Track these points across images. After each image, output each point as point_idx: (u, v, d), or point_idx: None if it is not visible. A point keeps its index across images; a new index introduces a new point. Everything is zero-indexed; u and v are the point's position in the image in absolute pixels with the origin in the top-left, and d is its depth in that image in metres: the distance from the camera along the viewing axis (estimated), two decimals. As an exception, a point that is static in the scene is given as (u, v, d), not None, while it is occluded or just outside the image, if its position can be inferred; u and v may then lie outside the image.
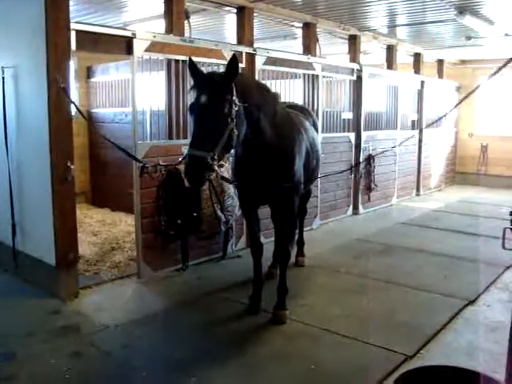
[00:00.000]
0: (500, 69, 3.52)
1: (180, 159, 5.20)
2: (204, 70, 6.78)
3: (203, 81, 4.15)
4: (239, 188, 5.25)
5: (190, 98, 6.52)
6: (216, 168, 3.99)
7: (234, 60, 4.08)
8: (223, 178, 5.02)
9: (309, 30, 8.95)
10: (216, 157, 3.94)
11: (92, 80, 10.48)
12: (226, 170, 6.38)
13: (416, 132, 11.85)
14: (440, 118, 8.04)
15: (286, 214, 5.10)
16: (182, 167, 6.11)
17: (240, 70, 4.54)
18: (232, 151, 4.66)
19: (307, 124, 5.78)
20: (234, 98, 4.07)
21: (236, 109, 4.08)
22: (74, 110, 5.63)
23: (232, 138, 4.09)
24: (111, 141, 5.54)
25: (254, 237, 5.30)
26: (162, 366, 4.14)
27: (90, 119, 10.23)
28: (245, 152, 4.72)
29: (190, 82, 6.54)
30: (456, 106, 3.94)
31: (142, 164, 5.79)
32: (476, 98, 14.14)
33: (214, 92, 4.02)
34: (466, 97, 4.09)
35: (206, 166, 3.90)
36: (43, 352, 4.30)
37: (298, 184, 5.06)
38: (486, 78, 13.01)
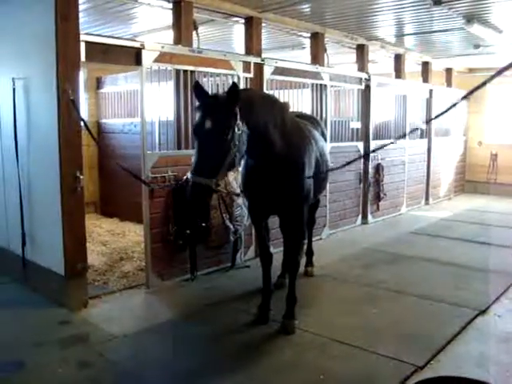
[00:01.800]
0: (500, 72, 3.50)
1: (185, 177, 5.31)
2: (212, 80, 6.92)
3: (207, 105, 4.17)
4: (249, 198, 5.25)
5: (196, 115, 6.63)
6: (219, 189, 4.10)
7: (234, 88, 4.09)
8: (229, 193, 5.05)
9: (317, 39, 8.98)
10: (219, 182, 4.05)
11: (101, 91, 10.57)
12: (234, 179, 6.40)
13: (423, 125, 11.71)
14: (430, 120, 8.08)
15: (295, 223, 5.09)
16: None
17: (245, 86, 4.55)
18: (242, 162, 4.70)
19: (316, 134, 5.77)
20: (238, 122, 4.10)
21: (239, 132, 4.11)
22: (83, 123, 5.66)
23: (234, 161, 4.17)
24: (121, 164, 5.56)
25: (264, 246, 5.28)
26: (170, 376, 4.13)
27: (99, 130, 10.31)
28: (255, 163, 4.74)
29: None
30: (453, 107, 3.92)
31: (150, 187, 5.83)
32: (485, 107, 14.11)
33: (216, 118, 4.04)
34: (464, 97, 4.05)
35: (208, 192, 4.03)
36: (52, 361, 4.31)
37: (307, 194, 5.05)
38: (494, 86, 12.96)
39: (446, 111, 3.91)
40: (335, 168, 5.82)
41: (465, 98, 3.98)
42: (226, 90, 7.08)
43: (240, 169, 5.30)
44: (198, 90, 4.23)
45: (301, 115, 6.24)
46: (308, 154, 5.05)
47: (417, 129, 7.67)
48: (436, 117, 4.25)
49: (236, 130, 4.07)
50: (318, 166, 5.40)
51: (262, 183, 4.81)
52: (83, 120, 5.45)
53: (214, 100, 4.18)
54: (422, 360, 4.31)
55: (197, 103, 4.34)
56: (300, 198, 4.98)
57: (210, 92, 4.43)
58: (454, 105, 3.86)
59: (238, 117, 4.10)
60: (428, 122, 11.40)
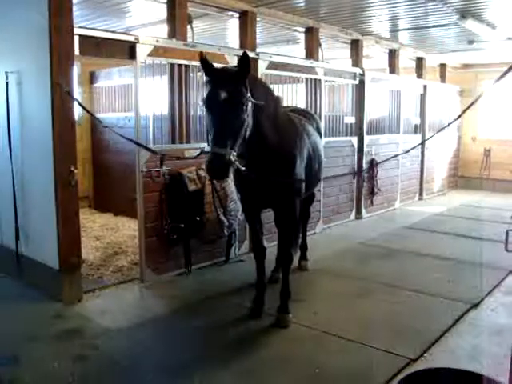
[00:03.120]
0: (505, 74, 3.52)
1: (197, 154, 5.50)
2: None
3: (218, 76, 4.14)
4: (241, 191, 5.25)
5: (193, 97, 6.62)
6: (236, 163, 4.02)
7: (246, 57, 4.09)
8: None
9: (311, 34, 8.98)
10: (235, 152, 3.99)
11: (95, 85, 10.52)
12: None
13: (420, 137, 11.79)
14: (445, 127, 8.19)
15: (288, 217, 5.10)
16: (184, 171, 6.17)
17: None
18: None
19: (310, 128, 5.77)
20: (248, 94, 4.11)
21: (250, 104, 4.12)
22: (77, 115, 5.64)
23: (247, 133, 4.16)
24: (124, 136, 5.54)
25: (257, 240, 5.29)
26: (164, 369, 4.14)
27: (93, 124, 10.27)
28: (246, 154, 4.71)
29: (192, 86, 6.59)
30: (463, 114, 3.93)
31: (160, 155, 5.87)
32: (479, 102, 14.11)
33: (231, 88, 4.02)
34: (472, 104, 4.05)
35: (229, 163, 3.93)
36: (46, 356, 4.31)
37: (298, 187, 5.06)
38: (488, 82, 13.01)
39: (457, 118, 3.94)
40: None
41: (473, 104, 3.99)
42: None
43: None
44: (205, 64, 4.18)
45: (296, 109, 6.24)
46: (299, 148, 5.05)
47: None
48: (445, 127, 4.24)
49: (248, 101, 4.09)
50: (310, 159, 5.41)
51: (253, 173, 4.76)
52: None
53: (224, 72, 4.19)
54: (415, 353, 4.34)
55: (205, 77, 4.29)
56: (291, 192, 4.98)
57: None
58: (465, 110, 3.85)
59: (248, 88, 4.12)
60: (433, 135, 11.40)
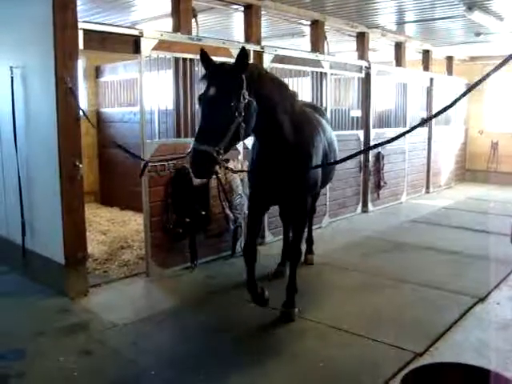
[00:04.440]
0: (501, 65, 3.46)
1: (186, 152, 5.21)
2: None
3: (212, 72, 4.10)
4: (252, 187, 5.10)
5: (198, 91, 6.60)
6: (220, 161, 3.92)
7: (243, 52, 4.01)
8: (227, 168, 4.88)
9: (317, 27, 8.93)
10: (221, 151, 3.88)
11: (101, 79, 10.52)
12: (232, 164, 6.36)
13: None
14: (431, 118, 8.12)
15: (299, 213, 5.02)
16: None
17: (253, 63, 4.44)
18: (250, 147, 4.54)
19: (324, 122, 5.69)
20: (244, 91, 3.97)
21: (245, 102, 3.98)
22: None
23: (239, 132, 4.00)
24: (117, 142, 5.49)
25: (252, 242, 4.94)
26: (170, 364, 4.14)
27: (98, 119, 10.28)
28: (262, 148, 4.66)
29: (197, 80, 6.56)
30: (452, 105, 3.87)
31: (145, 162, 5.64)
32: (486, 95, 14.05)
33: (221, 85, 3.96)
34: (464, 94, 3.98)
35: (211, 160, 3.84)
36: (52, 350, 4.33)
37: (313, 183, 5.00)
38: (495, 74, 12.90)
39: (451, 106, 3.86)
40: (339, 161, 5.48)
41: (468, 91, 3.93)
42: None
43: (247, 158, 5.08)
44: (205, 59, 4.14)
45: (306, 104, 6.18)
46: (316, 144, 4.97)
47: (425, 121, 7.63)
48: (438, 113, 4.18)
49: (241, 98, 3.95)
50: (326, 155, 5.33)
51: (268, 170, 4.69)
52: (79, 107, 5.41)
53: (219, 67, 4.11)
54: (421, 347, 4.32)
55: (202, 73, 4.23)
56: (305, 188, 4.91)
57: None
58: (456, 101, 3.79)
59: (245, 85, 3.99)
60: (428, 119, 11.34)
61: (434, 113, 6.16)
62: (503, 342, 4.43)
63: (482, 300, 5.43)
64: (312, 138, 4.94)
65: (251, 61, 7.07)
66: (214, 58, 6.51)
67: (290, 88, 4.99)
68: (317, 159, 4.99)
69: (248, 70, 4.07)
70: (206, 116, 3.97)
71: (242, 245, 7.04)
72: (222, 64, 4.20)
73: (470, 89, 3.85)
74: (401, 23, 9.78)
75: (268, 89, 4.34)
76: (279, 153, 4.58)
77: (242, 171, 5.76)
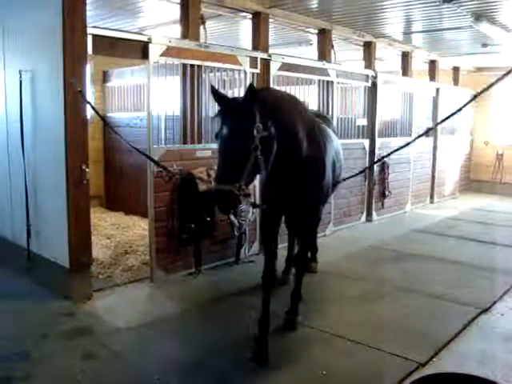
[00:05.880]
0: (504, 76, 3.48)
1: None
2: (219, 75, 6.93)
3: (224, 110, 4.03)
4: (266, 201, 4.94)
5: (205, 98, 6.65)
6: (242, 196, 3.84)
7: (251, 89, 3.91)
8: (253, 204, 4.94)
9: (324, 36, 8.97)
10: (243, 186, 3.81)
11: (108, 84, 10.57)
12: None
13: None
14: (430, 129, 8.12)
15: (311, 223, 5.03)
16: (195, 171, 6.20)
17: (251, 82, 4.42)
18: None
19: (331, 133, 5.68)
20: (257, 124, 3.86)
21: (259, 136, 3.86)
22: (90, 114, 5.66)
23: (258, 164, 3.92)
24: (130, 143, 5.45)
25: (271, 267, 4.71)
26: (174, 369, 4.15)
27: (105, 123, 10.32)
28: (277, 163, 4.38)
29: (204, 86, 6.61)
30: (452, 116, 3.88)
31: (160, 170, 5.71)
32: (492, 106, 14.05)
33: (233, 123, 3.88)
34: (464, 106, 3.99)
35: (233, 198, 3.79)
36: (57, 353, 4.34)
37: (326, 194, 5.01)
38: (502, 86, 12.92)
39: (454, 113, 3.87)
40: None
41: (472, 100, 3.95)
42: (232, 85, 7.14)
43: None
44: (216, 94, 4.09)
45: (313, 113, 6.16)
46: (328, 153, 4.94)
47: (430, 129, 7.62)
48: (442, 121, 4.20)
49: (255, 132, 3.84)
50: (334, 164, 5.31)
51: (283, 183, 4.58)
52: (90, 103, 5.43)
53: (231, 104, 4.04)
54: (424, 357, 4.32)
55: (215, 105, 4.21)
56: (319, 198, 4.91)
57: (218, 87, 4.28)
58: (460, 108, 3.81)
59: (257, 118, 3.88)
60: (433, 127, 11.34)
61: (438, 122, 6.15)
62: (506, 352, 4.42)
63: (485, 311, 5.41)
64: (325, 147, 4.90)
65: (258, 69, 7.12)
66: (222, 66, 6.67)
67: (298, 97, 4.97)
68: (329, 168, 4.98)
69: (259, 100, 3.94)
70: (223, 155, 3.92)
71: (247, 252, 7.12)
72: (233, 100, 4.15)
73: (473, 98, 3.87)
74: (408, 33, 9.81)
75: (283, 114, 4.25)
76: (294, 165, 4.50)
77: (262, 205, 5.54)
